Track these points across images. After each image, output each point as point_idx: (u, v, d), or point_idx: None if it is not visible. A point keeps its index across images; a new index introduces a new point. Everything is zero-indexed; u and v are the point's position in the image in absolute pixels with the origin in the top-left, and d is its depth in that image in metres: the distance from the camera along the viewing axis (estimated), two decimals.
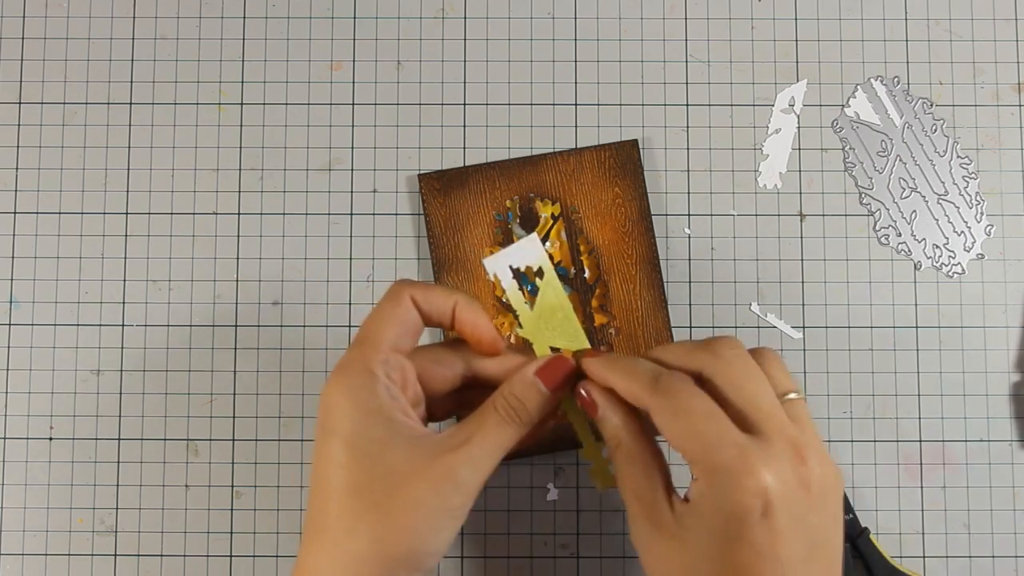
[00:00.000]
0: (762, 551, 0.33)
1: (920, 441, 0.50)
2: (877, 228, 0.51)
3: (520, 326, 0.41)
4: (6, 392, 0.50)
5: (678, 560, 0.35)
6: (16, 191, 0.51)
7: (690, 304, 0.51)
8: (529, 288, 0.50)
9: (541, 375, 0.38)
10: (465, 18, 0.52)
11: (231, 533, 0.50)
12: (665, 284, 0.50)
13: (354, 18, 0.52)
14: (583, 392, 0.39)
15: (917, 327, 0.51)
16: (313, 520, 0.37)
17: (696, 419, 0.34)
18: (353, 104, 0.52)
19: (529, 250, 0.42)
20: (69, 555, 0.50)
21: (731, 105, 0.52)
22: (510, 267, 0.42)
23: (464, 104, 0.52)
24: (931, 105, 0.52)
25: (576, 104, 0.52)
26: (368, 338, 0.38)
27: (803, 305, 0.51)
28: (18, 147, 0.52)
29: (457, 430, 0.37)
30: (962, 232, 0.51)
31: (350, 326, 0.50)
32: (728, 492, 0.33)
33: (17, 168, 0.51)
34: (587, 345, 0.41)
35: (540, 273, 0.42)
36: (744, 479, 0.33)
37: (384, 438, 0.37)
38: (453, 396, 0.41)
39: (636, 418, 0.38)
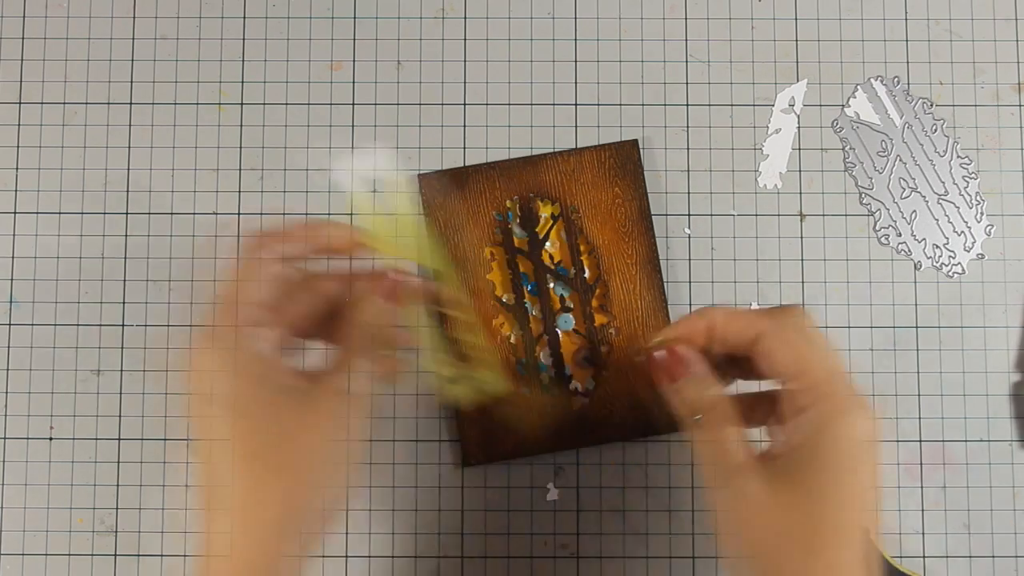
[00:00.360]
0: (872, 476, 0.36)
1: (920, 441, 0.50)
2: (877, 228, 0.51)
3: (367, 233, 0.42)
4: (6, 392, 0.50)
5: (781, 498, 0.36)
6: (16, 191, 0.51)
7: (690, 304, 0.51)
8: (530, 288, 0.50)
9: (382, 295, 0.41)
10: (465, 18, 0.52)
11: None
12: (665, 284, 0.50)
13: (354, 18, 0.52)
14: (681, 354, 0.40)
15: (917, 327, 0.51)
16: (215, 495, 0.37)
17: (814, 358, 0.37)
18: (353, 104, 0.52)
19: (380, 160, 0.45)
20: (69, 555, 0.50)
21: (731, 105, 0.52)
22: (361, 174, 0.44)
23: (464, 104, 0.52)
24: (931, 105, 0.52)
25: (576, 104, 0.52)
26: (237, 300, 0.38)
27: (803, 305, 0.51)
28: (18, 147, 0.52)
29: (328, 375, 0.39)
30: (962, 232, 0.51)
31: None
32: (852, 424, 0.36)
33: (17, 168, 0.51)
34: (431, 263, 0.43)
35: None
36: (861, 414, 0.36)
37: (268, 398, 0.37)
38: (313, 326, 0.42)
39: (724, 383, 0.40)
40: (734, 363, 0.41)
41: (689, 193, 0.51)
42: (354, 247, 0.42)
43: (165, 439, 0.50)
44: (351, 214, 0.44)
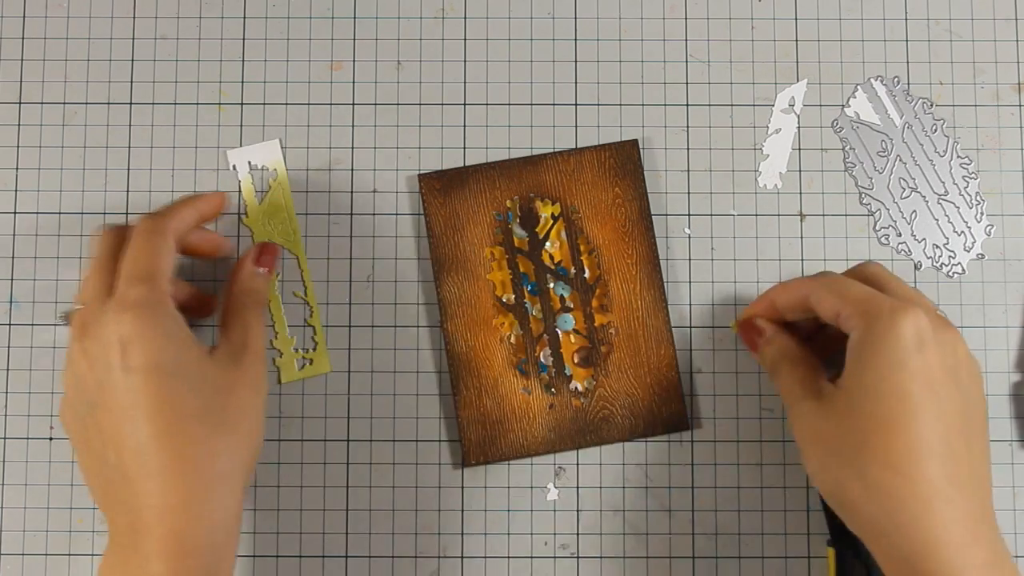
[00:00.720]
0: (918, 378, 0.38)
1: None
2: (877, 228, 0.51)
3: (246, 215, 0.50)
4: (6, 392, 0.50)
5: (844, 416, 0.39)
6: (16, 191, 0.51)
7: (690, 304, 0.51)
8: (530, 288, 0.50)
9: (260, 263, 0.46)
10: (465, 18, 0.52)
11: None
12: (665, 284, 0.50)
13: (354, 18, 0.52)
14: (755, 324, 0.46)
15: None
16: (157, 458, 0.38)
17: (850, 287, 0.41)
18: (353, 104, 0.52)
19: (267, 152, 0.51)
20: (69, 555, 0.50)
21: (731, 105, 0.52)
22: (249, 162, 0.51)
23: (464, 104, 0.52)
24: (931, 105, 0.52)
25: (576, 104, 0.52)
26: (154, 274, 0.40)
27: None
28: (18, 147, 0.52)
29: (233, 337, 0.43)
30: (962, 232, 0.51)
31: (350, 326, 0.50)
32: (888, 329, 0.38)
33: (17, 168, 0.51)
34: (301, 248, 0.50)
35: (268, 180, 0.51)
36: (901, 316, 0.38)
37: (199, 362, 0.40)
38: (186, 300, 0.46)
39: (793, 334, 0.45)
40: (822, 343, 0.46)
41: (689, 193, 0.51)
42: (221, 206, 0.48)
43: None
44: (239, 191, 0.50)
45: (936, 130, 0.52)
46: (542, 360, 0.50)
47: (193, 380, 0.39)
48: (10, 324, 0.51)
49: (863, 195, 0.51)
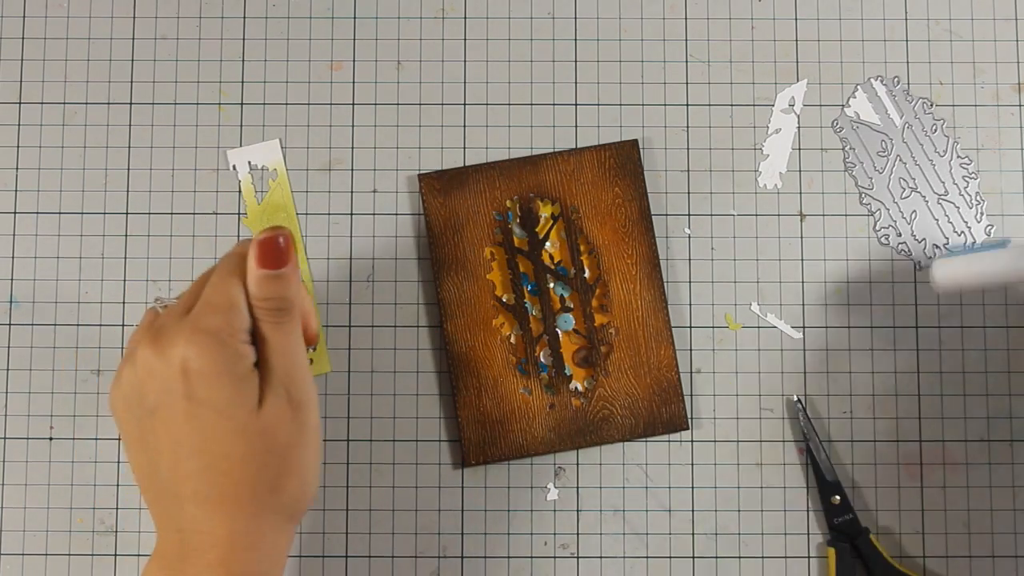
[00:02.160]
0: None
1: (920, 441, 0.50)
2: (877, 228, 0.51)
3: (246, 215, 0.51)
4: (6, 392, 0.50)
5: None
6: (16, 191, 0.51)
7: (690, 304, 0.51)
8: (530, 288, 0.50)
9: (264, 265, 0.38)
10: (465, 18, 0.52)
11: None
12: (665, 284, 0.50)
13: (354, 18, 0.52)
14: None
15: (917, 327, 0.51)
16: (206, 490, 0.38)
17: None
18: (353, 104, 0.52)
19: (267, 152, 0.51)
20: (69, 555, 0.50)
21: (731, 105, 0.52)
22: (249, 162, 0.51)
23: (464, 104, 0.52)
24: (931, 105, 0.52)
25: (576, 104, 0.52)
26: (232, 305, 0.38)
27: (803, 305, 0.51)
28: (18, 147, 0.52)
29: (267, 366, 0.39)
30: (962, 232, 0.51)
31: (350, 326, 0.50)
32: None
33: (17, 168, 0.51)
34: (301, 248, 0.50)
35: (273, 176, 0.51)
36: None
37: (252, 401, 0.38)
38: None
39: None
40: None
41: (689, 193, 0.51)
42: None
43: None
44: (239, 191, 0.49)
45: (936, 130, 0.52)
46: (542, 360, 0.50)
47: (243, 422, 0.38)
48: (10, 324, 0.51)
49: (863, 195, 0.51)
